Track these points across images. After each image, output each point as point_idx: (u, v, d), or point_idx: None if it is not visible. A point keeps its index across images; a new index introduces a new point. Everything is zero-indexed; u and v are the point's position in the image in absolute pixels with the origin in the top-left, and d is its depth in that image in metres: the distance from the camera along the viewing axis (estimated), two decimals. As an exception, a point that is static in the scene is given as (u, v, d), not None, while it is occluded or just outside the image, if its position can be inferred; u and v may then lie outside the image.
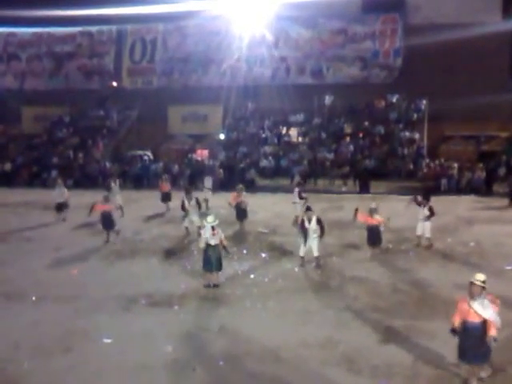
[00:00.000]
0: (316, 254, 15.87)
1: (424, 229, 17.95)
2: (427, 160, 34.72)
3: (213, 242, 13.99)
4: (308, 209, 16.37)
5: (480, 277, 8.67)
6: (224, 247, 14.44)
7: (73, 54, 47.39)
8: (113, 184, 25.06)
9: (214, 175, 30.84)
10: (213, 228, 14.08)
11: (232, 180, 31.32)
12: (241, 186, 22.68)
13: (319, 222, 15.83)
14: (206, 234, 14.08)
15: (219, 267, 14.25)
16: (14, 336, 11.09)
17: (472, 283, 8.64)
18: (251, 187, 32.71)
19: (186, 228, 20.48)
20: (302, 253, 16.00)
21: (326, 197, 29.01)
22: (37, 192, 27.95)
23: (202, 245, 14.15)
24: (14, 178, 38.56)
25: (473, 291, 8.60)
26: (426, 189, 19.68)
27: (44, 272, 15.83)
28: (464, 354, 8.79)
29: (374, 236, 17.03)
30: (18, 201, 28.90)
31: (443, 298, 12.91)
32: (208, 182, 27.05)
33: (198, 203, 20.74)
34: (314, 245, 15.76)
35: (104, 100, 46.01)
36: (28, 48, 48.29)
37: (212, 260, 14.01)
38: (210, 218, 14.38)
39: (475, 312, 8.55)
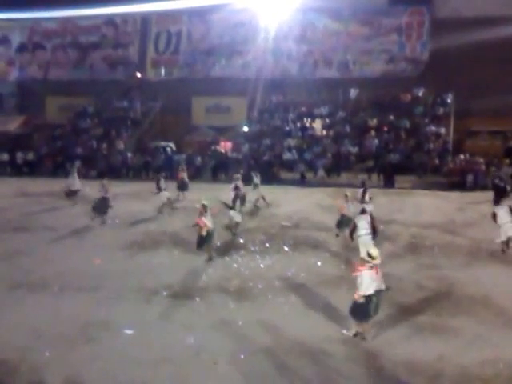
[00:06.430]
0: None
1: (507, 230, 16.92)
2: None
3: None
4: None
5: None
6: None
7: (97, 45, 47.46)
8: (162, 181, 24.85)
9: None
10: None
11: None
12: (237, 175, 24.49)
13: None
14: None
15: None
16: (36, 325, 11.12)
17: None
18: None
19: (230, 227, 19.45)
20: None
21: (350, 191, 28.80)
22: (60, 182, 27.97)
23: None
24: (37, 167, 38.82)
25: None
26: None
27: (66, 262, 15.88)
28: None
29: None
30: (42, 191, 29.03)
31: (467, 295, 12.77)
32: (257, 178, 26.22)
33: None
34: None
35: (128, 91, 46.01)
36: (53, 38, 48.46)
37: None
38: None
39: None
